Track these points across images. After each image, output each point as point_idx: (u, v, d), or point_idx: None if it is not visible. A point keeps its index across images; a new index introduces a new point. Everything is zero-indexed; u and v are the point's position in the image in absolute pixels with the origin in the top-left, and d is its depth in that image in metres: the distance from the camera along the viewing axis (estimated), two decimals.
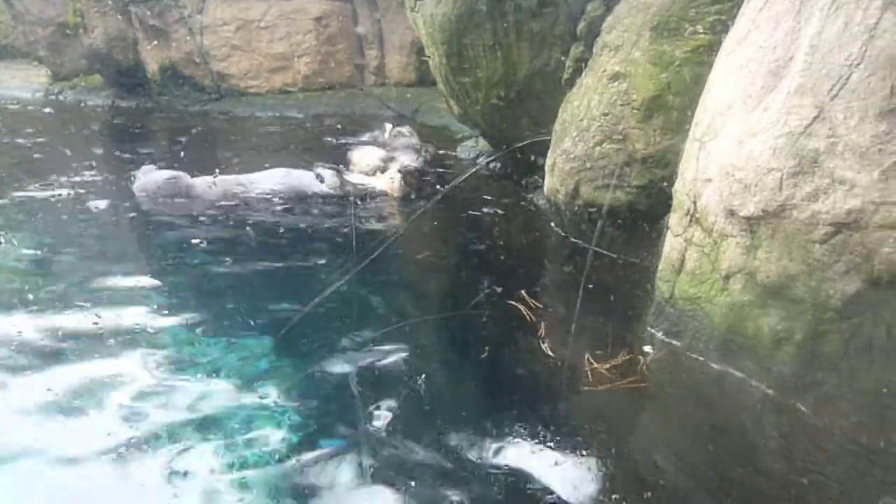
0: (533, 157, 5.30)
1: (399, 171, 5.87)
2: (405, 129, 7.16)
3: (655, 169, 4.00)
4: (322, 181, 5.64)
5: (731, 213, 2.91)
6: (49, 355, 3.14)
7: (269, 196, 5.42)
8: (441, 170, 6.50)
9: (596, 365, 3.10)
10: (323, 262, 4.37)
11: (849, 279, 2.52)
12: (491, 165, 6.61)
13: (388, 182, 5.86)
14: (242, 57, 10.14)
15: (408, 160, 6.10)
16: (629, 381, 2.98)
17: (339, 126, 9.07)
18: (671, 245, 3.38)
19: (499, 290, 3.89)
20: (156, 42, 10.09)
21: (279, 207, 5.35)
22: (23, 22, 11.17)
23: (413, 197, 5.75)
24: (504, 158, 6.00)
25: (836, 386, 2.60)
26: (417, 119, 9.34)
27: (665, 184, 3.85)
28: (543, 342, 3.33)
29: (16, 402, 2.81)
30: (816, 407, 2.64)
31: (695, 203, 3.20)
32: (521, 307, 3.65)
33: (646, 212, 4.06)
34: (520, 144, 5.18)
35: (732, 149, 2.93)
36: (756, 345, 2.83)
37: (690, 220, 3.23)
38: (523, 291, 3.77)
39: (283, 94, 10.29)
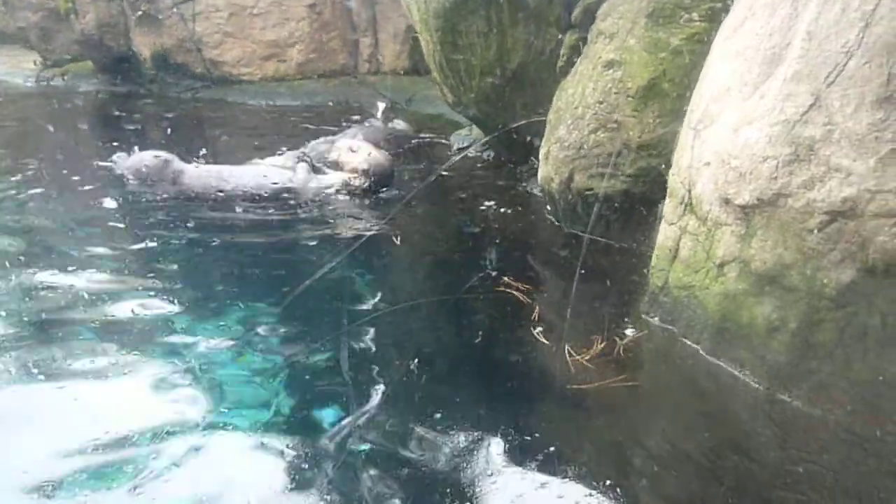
0: (528, 138, 5.25)
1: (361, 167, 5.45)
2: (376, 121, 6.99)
3: (650, 157, 3.98)
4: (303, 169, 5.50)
5: (726, 201, 2.90)
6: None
7: (247, 192, 5.29)
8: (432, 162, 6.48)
9: (588, 352, 3.09)
10: (313, 244, 4.38)
11: (844, 268, 2.51)
12: (485, 153, 6.59)
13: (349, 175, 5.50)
14: (235, 44, 10.04)
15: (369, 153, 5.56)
16: (621, 369, 2.98)
17: (329, 114, 9.02)
18: (665, 233, 3.37)
19: (492, 274, 3.88)
20: (148, 28, 9.98)
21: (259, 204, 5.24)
22: (13, 7, 11.04)
23: (382, 192, 5.46)
24: (498, 146, 5.97)
25: (830, 375, 2.59)
26: (411, 107, 9.28)
27: (660, 171, 3.83)
28: (537, 327, 3.32)
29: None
30: (810, 396, 2.64)
31: (689, 191, 3.18)
32: (515, 292, 3.64)
33: (641, 199, 4.04)
34: (514, 125, 5.11)
35: (728, 136, 2.91)
36: (750, 334, 2.82)
37: (685, 209, 3.22)
38: (509, 278, 3.77)
39: (276, 81, 10.20)
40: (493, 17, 4.81)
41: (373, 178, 5.45)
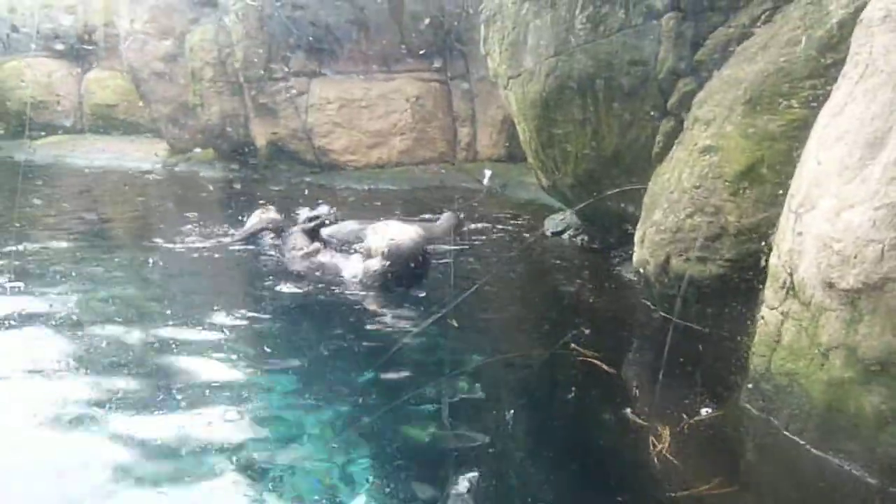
0: (624, 224, 5.26)
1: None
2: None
3: (749, 241, 3.92)
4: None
5: (830, 285, 2.82)
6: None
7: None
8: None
9: (680, 440, 2.99)
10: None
11: None
12: (578, 238, 6.64)
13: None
14: (343, 133, 10.74)
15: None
16: (719, 462, 2.86)
17: (425, 199, 9.38)
18: (767, 318, 3.28)
19: (582, 357, 3.86)
20: (264, 119, 10.84)
21: None
22: (148, 101, 12.29)
23: (406, 285, 4.94)
24: (592, 230, 6.02)
25: None
26: (506, 193, 9.54)
27: (759, 257, 3.77)
28: (630, 413, 3.26)
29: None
30: None
31: (791, 275, 3.12)
32: (605, 372, 3.60)
33: (739, 284, 3.96)
34: (609, 192, 5.10)
35: (830, 220, 2.87)
36: (858, 424, 2.68)
37: (787, 293, 3.15)
38: (600, 362, 3.73)
39: (379, 168, 10.77)
40: (588, 106, 4.98)
41: (388, 263, 4.79)
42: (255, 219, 6.27)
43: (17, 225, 6.85)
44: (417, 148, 10.86)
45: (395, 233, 4.92)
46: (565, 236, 6.76)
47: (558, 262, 6.03)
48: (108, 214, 8.33)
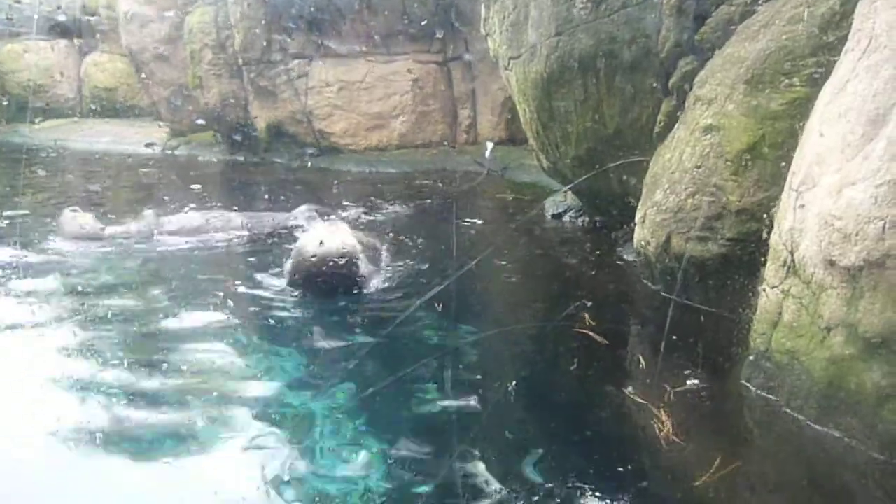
0: (624, 203, 5.25)
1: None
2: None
3: (750, 221, 3.92)
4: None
5: (831, 263, 2.82)
6: None
7: None
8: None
9: (684, 415, 3.01)
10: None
11: None
12: (579, 220, 6.64)
13: None
14: (342, 116, 10.69)
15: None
16: (722, 438, 2.88)
17: (426, 181, 9.37)
18: (767, 297, 3.29)
19: (587, 337, 3.87)
20: (264, 102, 10.80)
21: None
22: (148, 83, 12.24)
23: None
24: (592, 211, 6.01)
25: None
26: (507, 175, 9.51)
27: (760, 236, 3.77)
28: (632, 393, 3.27)
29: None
30: None
31: (792, 254, 3.12)
32: (604, 351, 3.62)
33: (740, 263, 3.96)
34: (612, 165, 5.06)
35: (831, 198, 2.86)
36: (859, 401, 2.69)
37: (788, 271, 3.15)
38: (599, 337, 3.74)
39: (379, 150, 10.73)
40: (589, 85, 4.95)
41: (291, 269, 4.54)
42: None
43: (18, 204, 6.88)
44: (418, 130, 10.81)
45: (305, 240, 4.52)
46: (566, 218, 6.75)
47: (558, 243, 6.04)
48: (102, 197, 8.33)
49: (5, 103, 14.46)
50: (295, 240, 4.94)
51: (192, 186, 8.95)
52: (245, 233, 6.10)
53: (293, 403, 3.20)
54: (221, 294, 4.57)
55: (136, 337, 3.90)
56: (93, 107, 14.36)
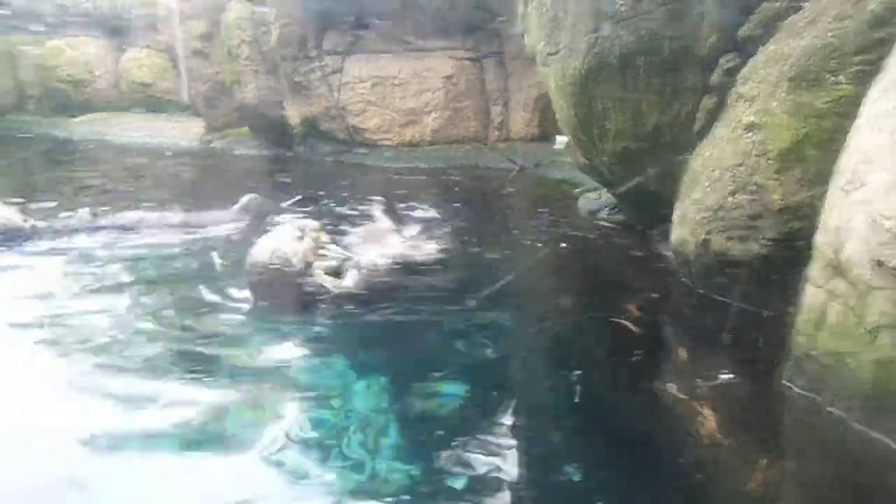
0: (661, 201, 5.20)
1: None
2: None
3: (793, 220, 3.88)
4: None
5: (879, 263, 2.78)
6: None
7: None
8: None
9: (726, 416, 3.00)
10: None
11: None
12: (613, 216, 6.61)
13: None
14: (376, 112, 10.74)
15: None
16: (764, 440, 2.86)
17: (459, 177, 9.39)
18: (811, 297, 3.25)
19: (622, 338, 3.87)
20: (299, 98, 10.90)
21: None
22: (185, 79, 12.43)
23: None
24: (629, 209, 5.98)
25: None
26: (540, 172, 9.50)
27: (803, 235, 3.72)
28: (671, 388, 3.26)
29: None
30: None
31: (838, 254, 3.08)
32: (641, 354, 3.60)
33: (781, 263, 3.92)
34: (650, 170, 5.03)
35: (880, 197, 2.82)
36: None
37: (833, 272, 3.11)
38: (636, 337, 3.73)
39: (412, 146, 10.76)
40: (628, 82, 4.92)
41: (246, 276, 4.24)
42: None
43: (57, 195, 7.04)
44: (450, 127, 10.83)
45: (259, 247, 4.25)
46: (601, 215, 6.73)
47: (593, 239, 6.01)
48: (135, 189, 8.49)
49: (42, 98, 14.81)
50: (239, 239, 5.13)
51: (219, 180, 9.13)
52: (180, 231, 6.01)
53: (341, 402, 3.25)
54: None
55: None
56: (130, 101, 14.61)
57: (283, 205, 6.95)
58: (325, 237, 4.61)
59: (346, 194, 7.88)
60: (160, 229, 6.03)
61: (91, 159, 11.37)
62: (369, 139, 10.82)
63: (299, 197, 7.21)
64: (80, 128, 14.02)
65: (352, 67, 10.72)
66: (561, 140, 6.39)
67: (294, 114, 11.05)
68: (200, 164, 11.05)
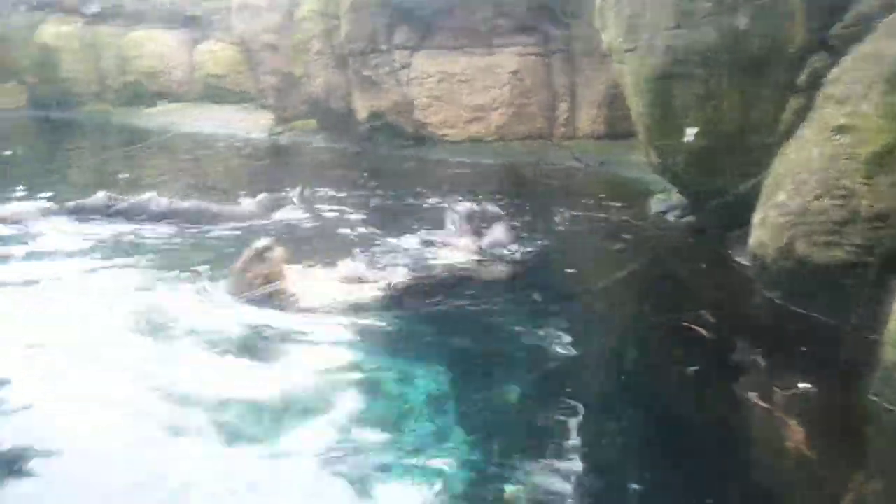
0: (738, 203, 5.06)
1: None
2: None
3: (883, 227, 3.73)
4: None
5: None
6: None
7: None
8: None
9: (810, 428, 2.90)
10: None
11: None
12: (685, 219, 6.46)
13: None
14: (442, 107, 10.76)
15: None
16: (856, 450, 2.76)
17: (525, 174, 9.35)
18: None
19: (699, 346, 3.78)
20: (366, 92, 11.02)
21: None
22: (257, 71, 12.72)
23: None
24: (702, 211, 5.83)
25: None
26: (604, 171, 9.36)
27: (892, 243, 3.58)
28: (752, 396, 3.18)
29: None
30: None
31: None
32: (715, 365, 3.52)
33: (868, 272, 3.77)
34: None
35: None
36: None
37: None
38: (711, 344, 3.64)
39: (476, 142, 10.75)
40: (710, 80, 4.82)
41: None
42: None
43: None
44: (515, 123, 10.76)
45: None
46: (670, 216, 6.58)
47: (663, 242, 5.90)
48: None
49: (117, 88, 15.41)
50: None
51: (281, 171, 9.32)
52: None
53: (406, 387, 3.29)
54: None
55: None
56: (202, 93, 15.02)
57: (294, 199, 7.05)
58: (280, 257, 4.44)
59: (418, 189, 7.94)
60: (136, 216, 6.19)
61: (163, 147, 11.81)
62: (434, 134, 10.85)
63: (301, 188, 7.27)
64: (156, 118, 14.50)
65: (420, 62, 10.77)
66: (691, 132, 6.04)
67: (361, 107, 11.17)
68: (266, 155, 11.32)
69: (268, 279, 4.20)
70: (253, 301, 4.10)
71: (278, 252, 4.32)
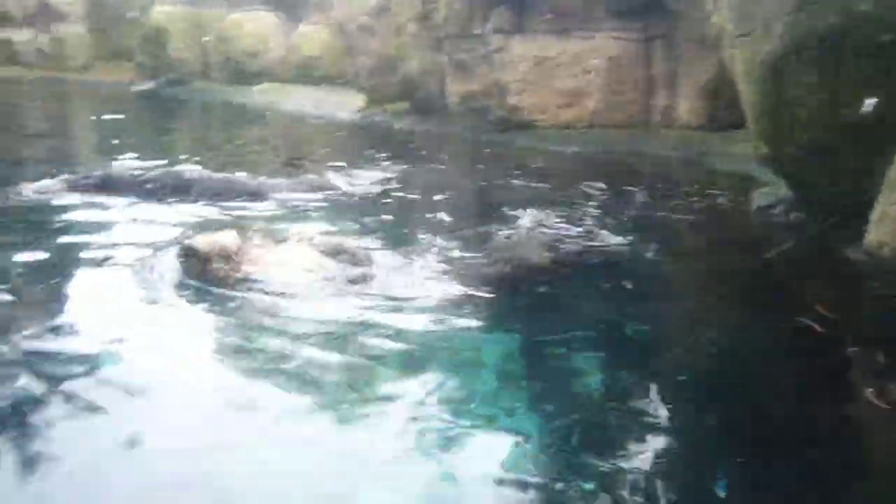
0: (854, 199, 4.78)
1: None
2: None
3: None
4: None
5: None
6: None
7: None
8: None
9: None
10: None
11: None
12: (792, 215, 6.15)
13: None
14: (535, 92, 10.62)
15: None
16: None
17: (620, 163, 9.13)
18: None
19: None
20: (460, 75, 11.02)
21: None
22: (353, 53, 12.94)
23: None
24: (813, 206, 5.54)
25: None
26: (703, 163, 9.03)
27: None
28: (865, 395, 3.00)
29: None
30: None
31: None
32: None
33: None
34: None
35: None
36: None
37: None
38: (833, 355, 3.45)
39: (569, 128, 10.57)
40: (829, 67, 4.56)
41: None
42: None
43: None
44: (609, 110, 10.50)
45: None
46: (776, 211, 6.28)
47: (770, 237, 5.64)
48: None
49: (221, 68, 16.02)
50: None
51: (371, 150, 9.48)
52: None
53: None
54: None
55: None
56: (298, 73, 15.43)
57: (331, 180, 7.07)
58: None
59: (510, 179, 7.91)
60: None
61: (262, 124, 12.24)
62: (525, 119, 10.72)
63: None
64: (256, 96, 15.02)
65: (515, 46, 10.65)
66: (870, 102, 5.56)
67: (454, 90, 11.19)
68: (358, 134, 11.55)
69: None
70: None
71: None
